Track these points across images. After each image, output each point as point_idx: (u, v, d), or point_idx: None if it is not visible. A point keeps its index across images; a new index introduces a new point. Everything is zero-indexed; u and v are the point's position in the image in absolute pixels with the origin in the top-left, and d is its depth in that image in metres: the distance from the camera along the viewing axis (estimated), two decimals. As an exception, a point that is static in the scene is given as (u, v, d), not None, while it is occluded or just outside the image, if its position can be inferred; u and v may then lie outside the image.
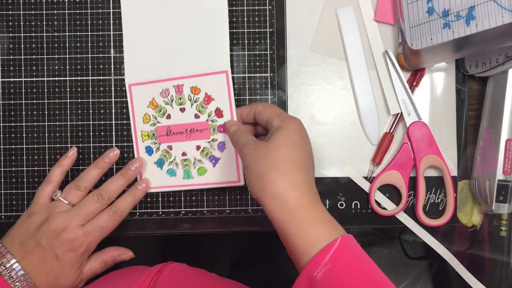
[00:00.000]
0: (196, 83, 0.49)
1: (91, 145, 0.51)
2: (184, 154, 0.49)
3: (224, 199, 0.51)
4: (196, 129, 0.49)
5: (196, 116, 0.49)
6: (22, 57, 0.51)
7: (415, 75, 0.51)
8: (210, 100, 0.49)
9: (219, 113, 0.49)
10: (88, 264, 0.47)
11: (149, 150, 0.50)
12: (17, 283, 0.42)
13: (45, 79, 0.50)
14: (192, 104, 0.49)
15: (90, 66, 0.51)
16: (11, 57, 0.51)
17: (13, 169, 0.50)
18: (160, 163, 0.50)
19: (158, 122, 0.49)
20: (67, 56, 0.50)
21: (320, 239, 0.36)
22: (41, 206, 0.46)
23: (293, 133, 0.41)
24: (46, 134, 0.50)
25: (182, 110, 0.49)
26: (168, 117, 0.49)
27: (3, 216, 0.51)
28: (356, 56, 0.51)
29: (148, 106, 0.49)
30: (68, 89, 0.51)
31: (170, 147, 0.49)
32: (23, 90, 0.51)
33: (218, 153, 0.49)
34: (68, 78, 0.51)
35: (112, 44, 0.50)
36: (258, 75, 0.51)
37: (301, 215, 0.37)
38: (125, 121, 0.51)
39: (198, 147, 0.49)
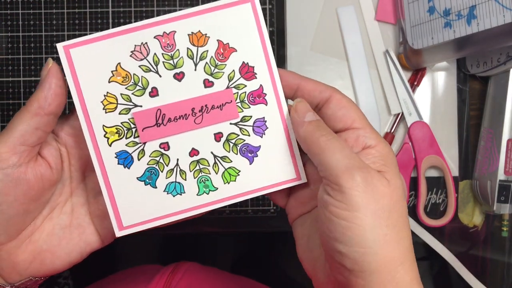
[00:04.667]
0: (199, 26, 0.30)
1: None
2: (194, 152, 0.30)
3: (224, 199, 0.51)
4: (211, 105, 0.30)
5: (208, 84, 0.30)
6: (21, 56, 0.50)
7: (416, 75, 0.50)
8: (229, 51, 0.30)
9: (248, 71, 0.30)
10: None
11: (124, 159, 0.30)
12: None
13: (44, 78, 0.50)
14: (196, 64, 0.30)
15: (89, 66, 0.50)
16: (10, 56, 0.50)
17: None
18: (149, 177, 0.30)
19: (136, 106, 0.29)
20: (66, 55, 0.50)
21: None
22: None
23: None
24: (45, 134, 0.50)
25: (179, 76, 0.30)
26: (154, 93, 0.29)
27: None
28: (356, 56, 0.50)
29: (111, 80, 0.29)
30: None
31: (166, 146, 0.30)
32: (22, 90, 0.50)
33: (256, 139, 0.31)
34: (67, 78, 0.50)
35: (111, 43, 0.50)
36: (258, 74, 0.50)
37: None
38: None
39: (218, 136, 0.30)
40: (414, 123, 0.50)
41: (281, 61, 0.51)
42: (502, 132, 0.47)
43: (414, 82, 0.50)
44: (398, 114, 0.50)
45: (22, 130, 0.27)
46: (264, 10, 0.51)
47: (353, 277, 0.25)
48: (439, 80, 0.51)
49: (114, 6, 0.50)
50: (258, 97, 0.30)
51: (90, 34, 0.29)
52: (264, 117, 0.31)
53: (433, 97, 0.51)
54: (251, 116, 0.30)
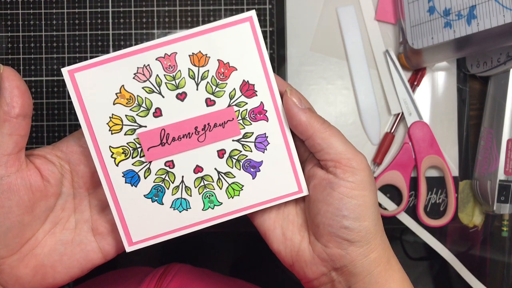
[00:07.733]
0: (199, 47, 0.30)
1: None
2: (198, 169, 0.31)
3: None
4: (214, 123, 0.31)
5: (210, 102, 0.31)
6: (21, 56, 0.50)
7: (416, 75, 0.50)
8: (229, 71, 0.31)
9: (248, 89, 0.31)
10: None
11: (131, 178, 0.31)
12: None
13: (44, 78, 0.50)
14: (197, 84, 0.30)
15: (89, 66, 0.50)
16: (10, 56, 0.50)
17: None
18: (156, 195, 0.31)
19: (140, 126, 0.30)
20: (66, 55, 0.50)
21: None
22: None
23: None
24: (45, 134, 0.50)
25: (182, 96, 0.30)
26: (158, 113, 0.30)
27: None
28: (356, 56, 0.50)
29: (116, 102, 0.30)
30: (67, 89, 0.50)
31: (171, 164, 0.31)
32: (22, 90, 0.50)
33: (258, 154, 0.31)
34: (67, 78, 0.50)
35: (111, 43, 0.50)
36: (258, 74, 0.50)
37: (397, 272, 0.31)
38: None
39: (221, 153, 0.31)
40: (414, 123, 0.50)
41: (281, 61, 0.51)
42: (502, 132, 0.47)
43: (414, 82, 0.50)
44: (398, 114, 0.50)
45: None
46: (264, 10, 0.51)
47: (353, 248, 0.28)
48: (439, 80, 0.51)
49: (114, 6, 0.50)
50: (259, 114, 0.31)
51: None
52: (265, 133, 0.31)
53: (433, 97, 0.51)
54: (252, 133, 0.31)
